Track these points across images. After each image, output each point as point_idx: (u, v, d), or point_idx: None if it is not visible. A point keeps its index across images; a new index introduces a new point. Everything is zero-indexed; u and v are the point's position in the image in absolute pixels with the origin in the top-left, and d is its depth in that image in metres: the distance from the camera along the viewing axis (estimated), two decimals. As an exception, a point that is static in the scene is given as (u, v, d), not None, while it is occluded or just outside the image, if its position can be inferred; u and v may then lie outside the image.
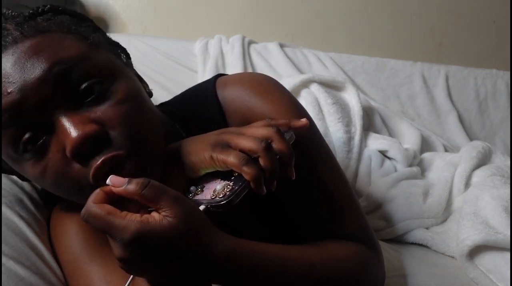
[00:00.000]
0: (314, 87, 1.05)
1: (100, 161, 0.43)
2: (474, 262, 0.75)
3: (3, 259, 0.49)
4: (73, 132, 0.42)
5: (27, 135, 0.44)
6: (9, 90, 0.43)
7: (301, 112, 0.60)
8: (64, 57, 0.44)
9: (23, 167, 0.47)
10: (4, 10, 0.50)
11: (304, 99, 1.02)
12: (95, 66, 0.46)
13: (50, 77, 0.43)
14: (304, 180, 0.55)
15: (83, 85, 0.45)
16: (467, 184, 0.93)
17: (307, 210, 0.57)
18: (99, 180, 0.44)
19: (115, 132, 0.44)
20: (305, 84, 1.06)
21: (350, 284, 0.52)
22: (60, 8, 0.51)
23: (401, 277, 0.72)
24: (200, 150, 0.47)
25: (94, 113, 0.44)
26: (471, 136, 1.38)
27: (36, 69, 0.43)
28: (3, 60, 0.44)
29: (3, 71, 0.43)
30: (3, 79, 0.43)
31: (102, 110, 0.45)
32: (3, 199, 0.57)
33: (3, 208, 0.56)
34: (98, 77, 0.45)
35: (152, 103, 0.52)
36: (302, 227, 0.58)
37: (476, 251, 0.75)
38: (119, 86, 0.46)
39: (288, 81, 1.06)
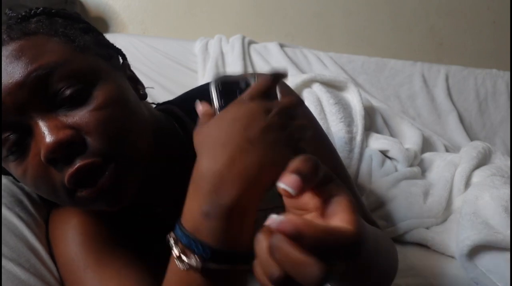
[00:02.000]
0: (316, 87, 1.05)
1: (74, 168, 0.43)
2: (474, 262, 0.75)
3: (3, 261, 0.49)
4: (47, 137, 0.43)
5: (9, 137, 0.45)
6: None
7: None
8: (44, 63, 0.45)
9: (10, 168, 0.48)
10: (6, 10, 0.51)
11: (306, 99, 1.02)
12: (76, 71, 0.46)
13: (28, 82, 0.44)
14: None
15: (62, 90, 0.45)
16: (467, 184, 0.93)
17: None
18: (74, 186, 0.44)
19: (91, 138, 0.44)
20: (307, 84, 1.06)
21: (393, 257, 0.55)
22: (53, 10, 0.52)
23: (401, 277, 0.72)
24: None
25: (71, 118, 0.45)
26: (471, 136, 1.38)
27: (15, 74, 0.44)
28: None
29: None
30: None
31: (80, 115, 0.45)
32: (2, 200, 0.57)
33: (3, 209, 0.56)
34: (78, 82, 0.45)
35: (141, 107, 0.52)
36: None
37: (476, 251, 0.75)
38: (100, 91, 0.46)
39: (290, 81, 1.06)
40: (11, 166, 0.47)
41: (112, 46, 0.56)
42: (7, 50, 0.45)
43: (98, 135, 0.44)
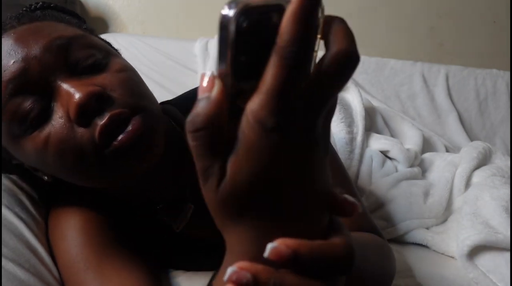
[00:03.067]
0: (316, 87, 1.05)
1: (107, 117, 0.44)
2: (474, 262, 0.74)
3: (3, 261, 0.49)
4: (76, 94, 0.44)
5: (32, 107, 0.45)
6: (12, 61, 0.45)
7: None
8: (63, 35, 0.47)
9: (25, 145, 0.47)
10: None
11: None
12: (91, 43, 0.49)
13: (53, 46, 0.46)
14: None
15: (83, 59, 0.47)
16: (468, 184, 0.93)
17: None
18: (105, 138, 0.44)
19: (116, 94, 0.46)
20: (307, 84, 1.06)
21: (388, 259, 0.54)
22: (51, 5, 0.55)
23: (401, 277, 0.72)
24: None
25: (94, 80, 0.47)
26: (471, 137, 1.38)
27: (38, 42, 0.46)
28: (3, 42, 0.46)
29: (4, 50, 0.46)
30: (5, 55, 0.46)
31: (102, 77, 0.47)
32: (2, 200, 0.57)
33: (3, 210, 0.56)
34: (96, 53, 0.48)
35: None
36: None
37: (476, 251, 0.75)
38: (116, 62, 0.49)
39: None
40: (28, 141, 0.46)
41: (107, 43, 0.59)
42: (22, 29, 0.47)
43: (123, 91, 0.47)
